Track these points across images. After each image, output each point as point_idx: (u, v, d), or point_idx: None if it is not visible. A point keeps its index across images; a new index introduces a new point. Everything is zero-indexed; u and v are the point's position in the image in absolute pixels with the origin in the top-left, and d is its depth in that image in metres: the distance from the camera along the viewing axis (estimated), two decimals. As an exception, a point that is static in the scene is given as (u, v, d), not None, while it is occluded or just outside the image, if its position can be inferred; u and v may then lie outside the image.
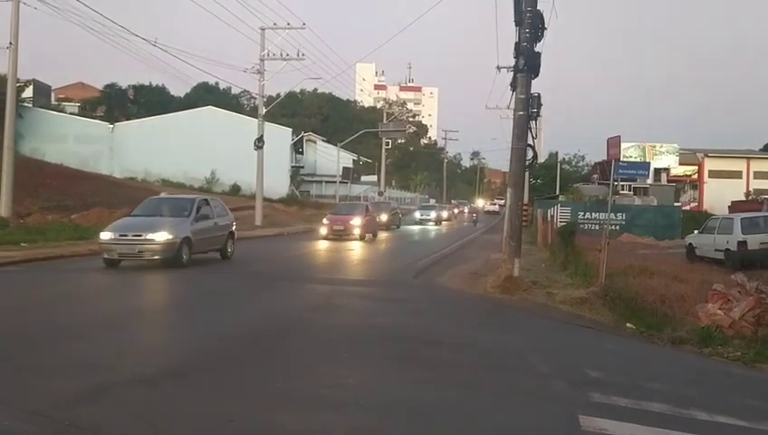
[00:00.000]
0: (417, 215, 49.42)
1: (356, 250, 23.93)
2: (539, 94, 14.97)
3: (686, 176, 60.61)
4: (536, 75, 14.76)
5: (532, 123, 15.39)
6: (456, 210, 69.43)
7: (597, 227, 31.81)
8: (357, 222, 28.62)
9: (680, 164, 59.11)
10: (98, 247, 16.45)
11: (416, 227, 43.05)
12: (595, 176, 52.06)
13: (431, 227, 45.41)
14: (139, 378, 6.08)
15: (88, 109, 69.10)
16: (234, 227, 19.25)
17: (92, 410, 5.11)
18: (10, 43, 22.55)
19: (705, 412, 5.99)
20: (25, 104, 48.39)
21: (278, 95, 52.36)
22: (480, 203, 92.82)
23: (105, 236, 15.89)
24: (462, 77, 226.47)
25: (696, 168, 60.18)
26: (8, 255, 16.64)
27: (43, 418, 4.86)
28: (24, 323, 9.01)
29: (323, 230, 28.38)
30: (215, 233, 17.82)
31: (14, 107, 23.70)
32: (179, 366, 6.69)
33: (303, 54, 35.09)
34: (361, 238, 28.26)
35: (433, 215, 48.90)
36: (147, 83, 76.05)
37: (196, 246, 16.51)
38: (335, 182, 56.13)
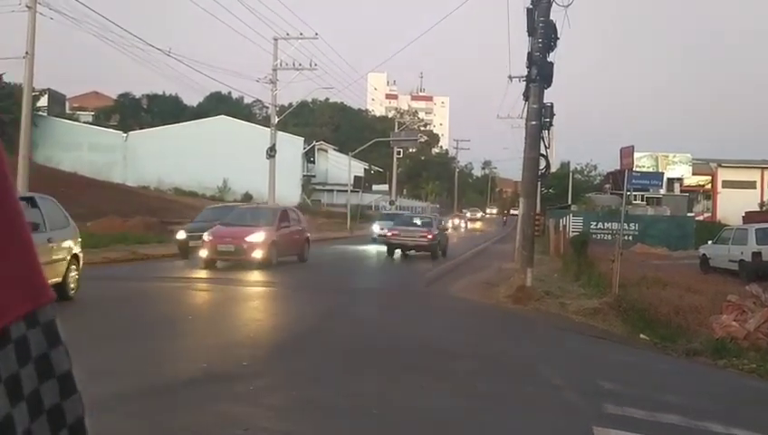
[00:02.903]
0: (376, 229, 32.31)
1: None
2: (551, 104, 15.04)
3: (700, 186, 60.26)
4: (549, 85, 14.80)
5: (545, 133, 15.44)
6: (456, 220, 61.33)
7: (609, 238, 31.63)
8: (259, 238, 18.25)
9: (693, 174, 58.81)
10: None
11: (356, 249, 28.16)
12: (607, 186, 51.89)
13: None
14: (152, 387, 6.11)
15: (102, 118, 69.68)
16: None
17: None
18: (26, 53, 22.76)
19: (721, 425, 5.95)
20: (40, 113, 48.87)
21: (290, 104, 52.50)
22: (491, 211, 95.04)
23: None
24: (474, 87, 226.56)
25: (710, 178, 59.82)
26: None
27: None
28: None
29: (204, 253, 18.01)
30: None
31: (29, 116, 23.91)
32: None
33: (316, 64, 35.21)
34: (266, 263, 18.02)
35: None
36: (160, 93, 76.55)
37: None
38: (346, 191, 56.24)
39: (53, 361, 0.70)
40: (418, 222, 26.83)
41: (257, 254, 17.99)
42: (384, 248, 25.41)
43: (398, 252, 24.59)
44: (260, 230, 18.58)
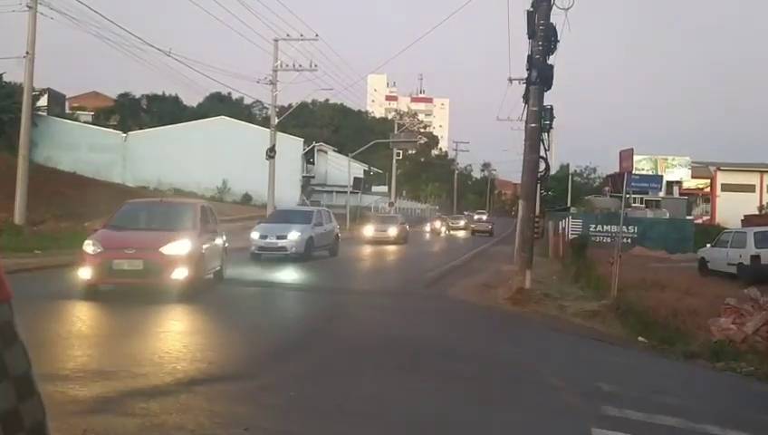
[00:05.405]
0: (255, 237, 21.42)
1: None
2: (551, 106, 15.08)
3: (699, 189, 60.34)
4: (549, 88, 14.81)
5: (545, 135, 15.44)
6: (437, 224, 54.79)
7: (608, 240, 31.70)
8: (181, 249, 11.96)
9: (692, 177, 58.90)
10: None
11: None
12: (607, 188, 51.91)
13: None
14: (152, 387, 6.12)
15: (101, 118, 69.63)
16: None
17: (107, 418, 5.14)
18: (27, 53, 22.76)
19: (718, 427, 5.97)
20: (40, 113, 48.85)
21: (290, 105, 52.56)
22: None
23: None
24: (473, 89, 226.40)
25: (709, 181, 59.92)
26: (22, 262, 16.75)
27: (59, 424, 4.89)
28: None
29: (87, 273, 11.69)
30: None
31: (29, 116, 23.91)
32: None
33: (316, 65, 35.23)
34: (191, 288, 12.03)
35: (294, 238, 21.20)
36: (160, 93, 76.57)
37: None
38: (346, 192, 56.26)
39: (8, 361, 0.66)
40: (484, 219, 59.47)
41: (179, 274, 11.74)
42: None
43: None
44: (181, 237, 12.24)
